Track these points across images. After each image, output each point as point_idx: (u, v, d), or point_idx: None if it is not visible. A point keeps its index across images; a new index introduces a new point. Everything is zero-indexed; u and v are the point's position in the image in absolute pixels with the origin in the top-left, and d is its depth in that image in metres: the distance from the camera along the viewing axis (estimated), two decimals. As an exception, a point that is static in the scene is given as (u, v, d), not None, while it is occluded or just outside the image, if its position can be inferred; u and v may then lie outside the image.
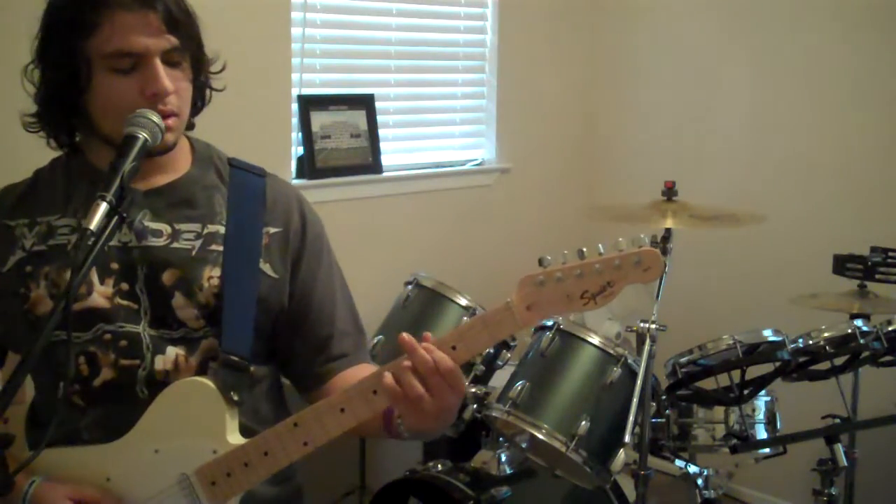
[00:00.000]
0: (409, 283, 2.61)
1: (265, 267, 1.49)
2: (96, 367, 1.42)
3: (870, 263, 2.65)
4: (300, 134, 3.12)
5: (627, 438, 2.15)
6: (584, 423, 2.23)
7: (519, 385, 2.29)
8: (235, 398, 1.41)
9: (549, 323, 2.38)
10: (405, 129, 3.51)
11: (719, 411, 2.54)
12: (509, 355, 2.56)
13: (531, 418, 2.26)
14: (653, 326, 2.32)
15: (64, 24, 1.39)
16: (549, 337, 2.35)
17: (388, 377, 1.30)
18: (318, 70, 3.19)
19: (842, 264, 2.70)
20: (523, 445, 2.38)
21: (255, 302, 1.46)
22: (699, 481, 2.59)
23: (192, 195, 1.50)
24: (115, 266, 1.43)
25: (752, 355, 2.44)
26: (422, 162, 3.54)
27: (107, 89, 1.39)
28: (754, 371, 2.49)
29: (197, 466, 1.38)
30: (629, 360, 2.31)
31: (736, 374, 2.45)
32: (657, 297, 2.39)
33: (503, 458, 2.50)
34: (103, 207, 1.24)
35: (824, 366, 2.51)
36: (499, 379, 2.49)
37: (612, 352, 2.32)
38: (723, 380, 2.49)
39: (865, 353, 2.48)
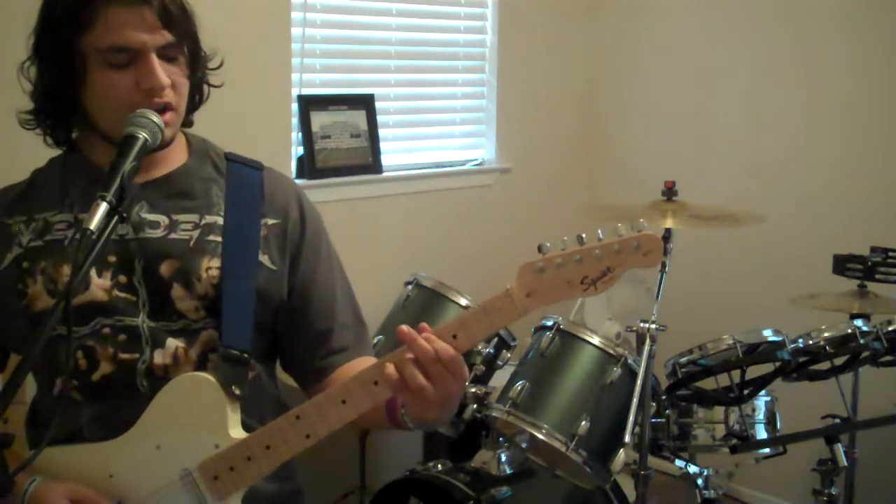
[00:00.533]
0: (409, 283, 2.61)
1: (264, 259, 1.49)
2: (94, 362, 1.42)
3: (870, 263, 2.65)
4: (300, 134, 3.12)
5: (627, 438, 2.15)
6: (584, 423, 2.23)
7: (519, 385, 2.29)
8: (237, 392, 1.41)
9: (549, 323, 2.38)
10: (405, 129, 3.51)
11: (719, 411, 2.54)
12: (509, 355, 2.56)
13: (531, 418, 2.26)
14: (653, 326, 2.33)
15: (59, 20, 1.39)
16: (549, 337, 2.35)
17: (390, 368, 1.30)
18: (318, 70, 3.19)
19: (842, 264, 2.70)
20: (523, 445, 2.38)
21: (254, 293, 1.46)
22: (699, 481, 2.59)
23: (189, 186, 1.51)
24: (112, 259, 1.43)
25: (752, 355, 2.44)
26: (422, 162, 3.54)
27: (103, 84, 1.39)
28: (754, 371, 2.49)
29: (199, 461, 1.38)
30: (629, 360, 2.31)
31: (736, 374, 2.45)
32: (657, 297, 2.39)
33: (503, 458, 2.50)
34: (103, 207, 1.24)
35: (824, 366, 2.51)
36: (499, 379, 2.49)
37: (612, 352, 2.32)
38: (723, 380, 2.49)
39: (865, 353, 2.48)
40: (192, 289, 1.44)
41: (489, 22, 3.62)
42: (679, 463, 2.63)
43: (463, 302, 2.50)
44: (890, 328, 2.49)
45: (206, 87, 1.53)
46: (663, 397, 2.53)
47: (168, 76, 1.40)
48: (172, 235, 1.46)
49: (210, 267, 1.45)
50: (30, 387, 1.52)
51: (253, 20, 2.90)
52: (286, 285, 1.52)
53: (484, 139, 3.71)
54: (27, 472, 1.34)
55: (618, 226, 1.27)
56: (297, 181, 3.07)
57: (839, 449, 2.43)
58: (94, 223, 1.22)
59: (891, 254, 2.67)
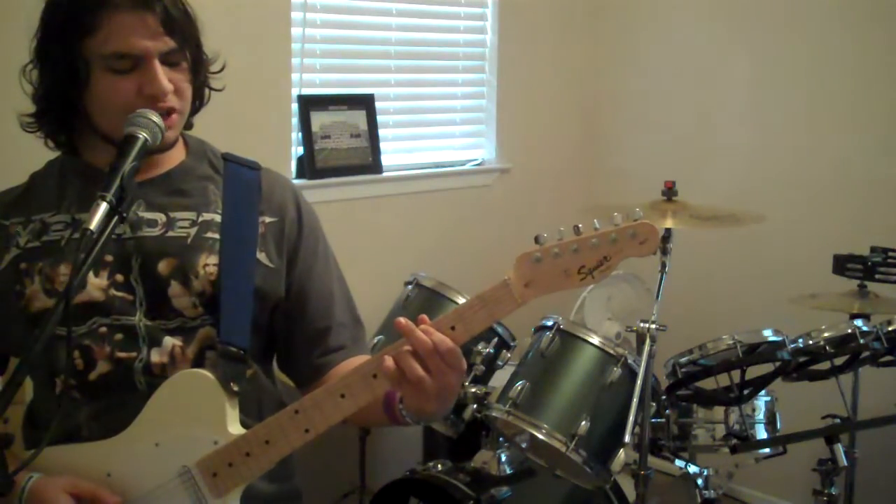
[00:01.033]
0: (409, 283, 2.61)
1: (261, 256, 1.50)
2: (92, 361, 1.42)
3: (870, 263, 2.65)
4: (300, 134, 3.12)
5: (627, 438, 2.15)
6: (584, 423, 2.23)
7: (519, 385, 2.29)
8: (235, 389, 1.41)
9: (549, 323, 2.38)
10: (405, 129, 3.51)
11: (719, 411, 2.54)
12: (509, 355, 2.56)
13: (531, 418, 2.26)
14: (653, 326, 2.32)
15: (62, 25, 1.39)
16: (549, 337, 2.35)
17: (389, 360, 1.30)
18: (318, 70, 3.19)
19: (842, 264, 2.70)
20: (523, 445, 2.38)
21: (252, 291, 1.46)
22: (699, 481, 2.59)
23: (186, 184, 1.51)
24: (109, 258, 1.43)
25: (752, 355, 2.44)
26: (422, 162, 3.54)
27: (105, 89, 1.39)
28: (754, 371, 2.49)
29: (198, 458, 1.38)
30: (629, 360, 2.31)
31: (736, 374, 2.45)
32: (657, 297, 2.39)
33: (503, 458, 2.50)
34: (103, 207, 1.24)
35: (824, 366, 2.51)
36: (499, 379, 2.49)
37: (612, 352, 2.32)
38: (723, 380, 2.49)
39: (865, 353, 2.48)
40: (190, 286, 1.44)
41: (489, 22, 3.62)
42: (679, 463, 2.63)
43: (463, 302, 2.49)
44: (890, 328, 2.49)
45: (207, 91, 1.54)
46: (663, 397, 2.52)
47: (171, 81, 1.40)
48: (170, 233, 1.46)
49: (208, 264, 1.45)
50: (29, 388, 1.52)
51: (253, 20, 2.90)
52: (284, 283, 1.52)
53: (484, 139, 3.71)
54: (25, 472, 1.34)
55: (614, 215, 1.27)
56: (297, 181, 3.08)
57: (839, 449, 2.43)
58: (95, 223, 1.22)
59: (891, 254, 2.67)
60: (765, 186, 3.39)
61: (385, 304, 2.67)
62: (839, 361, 2.50)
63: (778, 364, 2.46)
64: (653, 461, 2.47)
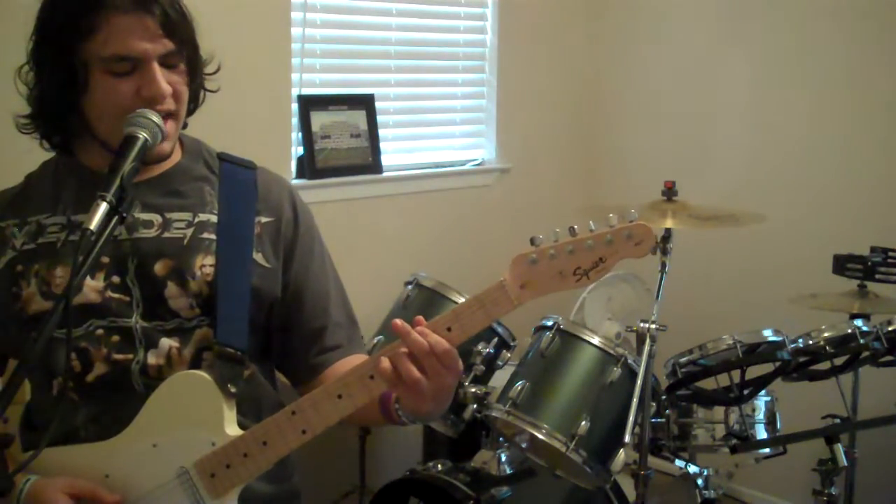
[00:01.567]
0: (409, 283, 2.61)
1: (258, 256, 1.50)
2: (89, 363, 1.42)
3: (870, 263, 2.65)
4: (300, 134, 3.12)
5: (627, 438, 2.15)
6: (584, 423, 2.23)
7: (519, 385, 2.29)
8: (232, 390, 1.41)
9: (549, 323, 2.38)
10: (405, 129, 3.51)
11: (719, 411, 2.54)
12: (509, 355, 2.56)
13: (531, 418, 2.26)
14: (653, 326, 2.32)
15: (60, 27, 1.39)
16: (549, 337, 2.35)
17: (385, 361, 1.30)
18: (318, 70, 3.19)
19: (842, 264, 2.70)
20: (523, 445, 2.38)
21: (249, 291, 1.47)
22: (699, 481, 2.59)
23: (182, 185, 1.51)
24: (105, 260, 1.43)
25: (752, 355, 2.44)
26: (422, 162, 3.54)
27: (103, 92, 1.39)
28: (754, 371, 2.49)
29: (196, 459, 1.38)
30: (629, 360, 2.31)
31: (736, 374, 2.45)
32: (657, 297, 2.39)
33: (503, 458, 2.50)
34: (103, 207, 1.24)
35: (824, 366, 2.51)
36: (499, 379, 2.49)
37: (612, 352, 2.32)
38: (723, 380, 2.49)
39: (865, 353, 2.48)
40: (187, 287, 1.44)
41: (489, 22, 3.62)
42: (679, 463, 2.63)
43: (461, 302, 2.49)
44: (890, 328, 2.49)
45: (202, 93, 1.54)
46: (663, 397, 2.52)
47: (169, 84, 1.40)
48: (166, 234, 1.46)
49: (204, 264, 1.45)
50: (26, 387, 1.52)
51: (253, 20, 2.90)
52: (280, 283, 1.52)
53: (484, 139, 3.71)
54: (21, 473, 1.34)
55: (609, 216, 1.28)
56: (297, 181, 3.08)
57: (839, 449, 2.43)
58: (95, 223, 1.23)
59: (891, 254, 2.67)
60: (765, 186, 3.39)
61: (385, 304, 2.67)
62: (839, 361, 2.50)
63: (778, 364, 2.46)
64: (653, 461, 2.47)
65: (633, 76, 3.84)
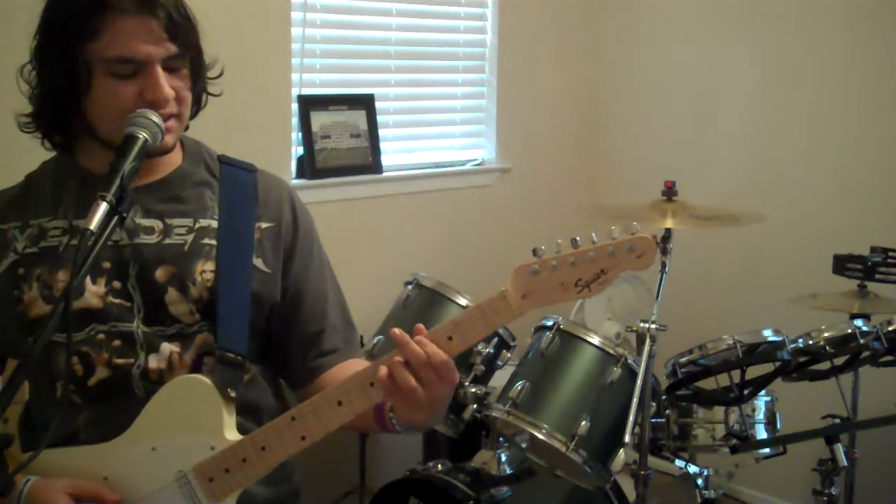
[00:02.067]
0: (409, 283, 2.61)
1: (258, 262, 1.50)
2: (90, 367, 1.42)
3: (870, 263, 2.65)
4: (300, 134, 3.12)
5: (627, 438, 2.15)
6: (584, 423, 2.23)
7: (519, 385, 2.29)
8: (232, 394, 1.41)
9: (549, 323, 2.38)
10: (405, 129, 3.51)
11: (719, 411, 2.54)
12: (509, 355, 2.56)
13: (531, 418, 2.26)
14: (653, 326, 2.32)
15: (64, 27, 1.39)
16: (549, 337, 2.35)
17: (383, 369, 1.31)
18: (318, 70, 3.19)
19: (842, 264, 2.70)
20: (523, 445, 2.38)
21: (249, 296, 1.47)
22: (699, 481, 2.59)
23: (182, 190, 1.51)
24: (106, 265, 1.44)
25: (752, 355, 2.44)
26: (422, 162, 3.54)
27: (106, 93, 1.39)
28: (754, 371, 2.49)
29: (195, 463, 1.39)
30: (629, 360, 2.31)
31: (736, 374, 2.45)
32: (657, 297, 2.39)
33: (503, 458, 2.50)
34: (103, 207, 1.24)
35: (824, 366, 2.51)
36: (499, 379, 2.49)
37: (612, 352, 2.32)
38: (723, 380, 2.49)
39: (865, 353, 2.48)
40: (187, 292, 1.44)
41: (489, 22, 3.62)
42: (679, 463, 2.63)
43: (463, 302, 2.50)
44: (890, 328, 2.49)
45: (205, 96, 1.54)
46: (663, 397, 2.52)
47: (171, 87, 1.40)
48: (167, 240, 1.46)
49: (205, 270, 1.45)
50: (25, 387, 1.51)
51: (253, 20, 2.90)
52: (279, 288, 1.52)
53: (484, 139, 3.71)
54: (21, 474, 1.34)
55: (612, 228, 1.28)
56: (297, 181, 3.08)
57: (839, 449, 2.43)
58: (95, 223, 1.22)
59: (891, 254, 2.67)
60: (765, 186, 3.39)
61: (385, 304, 2.67)
62: (839, 361, 2.50)
63: (778, 364, 2.46)
64: (653, 461, 2.47)
65: (633, 76, 3.84)
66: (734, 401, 2.47)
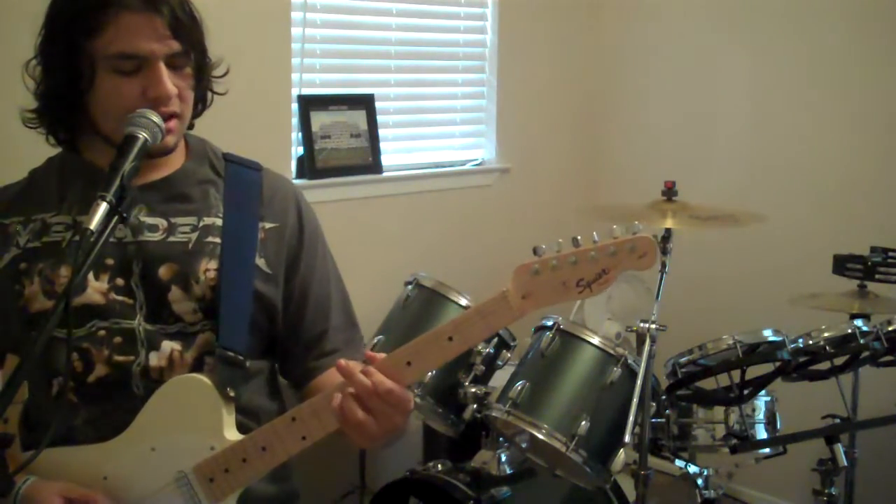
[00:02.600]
0: (409, 283, 2.61)
1: (260, 262, 1.50)
2: (90, 364, 1.42)
3: (870, 263, 2.65)
4: (300, 134, 3.12)
5: (627, 438, 2.15)
6: (584, 423, 2.22)
7: (519, 385, 2.29)
8: (232, 394, 1.41)
9: (549, 323, 2.38)
10: (405, 129, 3.50)
11: (719, 411, 2.54)
12: (509, 355, 2.56)
13: (531, 418, 2.25)
14: (653, 326, 2.32)
15: (68, 23, 1.39)
16: (549, 337, 2.35)
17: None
18: (318, 70, 3.19)
19: (842, 264, 2.70)
20: (523, 445, 2.38)
21: (251, 296, 1.47)
22: (699, 481, 2.59)
23: (187, 189, 1.51)
24: (110, 262, 1.44)
25: (752, 355, 2.44)
26: (422, 162, 3.54)
27: (109, 90, 1.39)
28: (754, 371, 2.49)
29: (195, 463, 1.39)
30: (629, 360, 2.31)
31: (736, 374, 2.45)
32: (657, 297, 2.39)
33: (503, 458, 2.50)
34: (103, 207, 1.24)
35: (824, 366, 2.51)
36: (499, 379, 2.49)
37: (612, 352, 2.32)
38: (723, 380, 2.49)
39: (865, 353, 2.48)
40: (190, 291, 1.44)
41: (489, 22, 3.62)
42: (679, 463, 2.63)
43: (463, 302, 2.50)
44: (890, 328, 2.49)
45: (209, 95, 1.54)
46: (663, 397, 2.52)
47: (174, 85, 1.40)
48: (171, 238, 1.46)
49: (208, 269, 1.45)
50: (25, 386, 1.51)
51: (253, 20, 2.90)
52: (282, 289, 1.52)
53: (484, 139, 3.71)
54: (21, 474, 1.34)
55: (613, 228, 1.27)
56: (297, 181, 3.08)
57: (839, 449, 2.43)
58: (95, 223, 1.22)
59: (891, 254, 2.67)
60: (765, 186, 3.39)
61: (385, 304, 2.67)
62: (839, 361, 2.50)
63: (778, 364, 2.46)
64: (653, 461, 2.47)
65: (633, 76, 3.84)
66: (734, 401, 2.47)
